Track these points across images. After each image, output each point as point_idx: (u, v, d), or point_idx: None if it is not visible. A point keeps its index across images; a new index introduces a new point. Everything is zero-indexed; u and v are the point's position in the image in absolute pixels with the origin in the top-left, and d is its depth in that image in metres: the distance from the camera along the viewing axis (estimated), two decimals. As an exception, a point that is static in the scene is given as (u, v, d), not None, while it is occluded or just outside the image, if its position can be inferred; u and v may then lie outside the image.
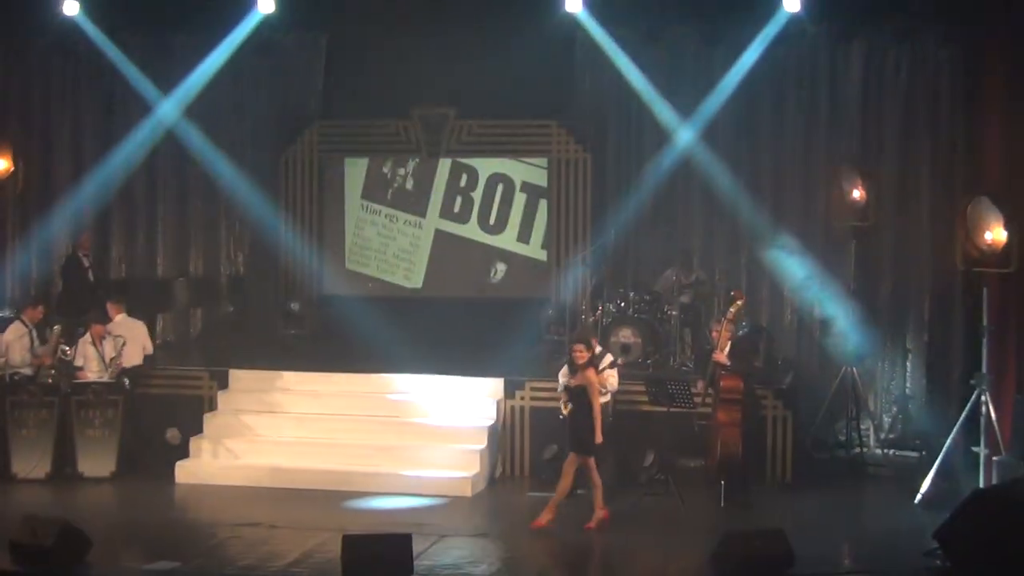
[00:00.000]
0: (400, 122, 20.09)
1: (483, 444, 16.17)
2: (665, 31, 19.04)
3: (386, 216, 20.44)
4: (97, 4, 18.99)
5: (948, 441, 15.18)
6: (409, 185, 20.38)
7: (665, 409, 15.11)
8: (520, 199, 20.02)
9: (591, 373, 13.87)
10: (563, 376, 14.71)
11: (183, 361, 18.73)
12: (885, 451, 17.54)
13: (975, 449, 14.85)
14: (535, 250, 19.99)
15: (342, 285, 20.38)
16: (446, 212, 20.27)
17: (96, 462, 16.31)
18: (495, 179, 20.11)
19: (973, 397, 14.74)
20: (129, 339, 17.00)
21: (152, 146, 20.27)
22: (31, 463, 16.14)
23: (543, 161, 19.82)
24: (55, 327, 17.17)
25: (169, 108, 19.81)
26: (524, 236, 20.01)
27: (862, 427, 17.49)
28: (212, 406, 17.20)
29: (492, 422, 16.47)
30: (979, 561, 11.20)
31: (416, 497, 15.32)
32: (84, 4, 18.94)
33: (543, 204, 19.90)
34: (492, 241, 20.18)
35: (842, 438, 17.37)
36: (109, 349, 16.81)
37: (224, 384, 17.37)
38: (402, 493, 15.42)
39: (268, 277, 20.55)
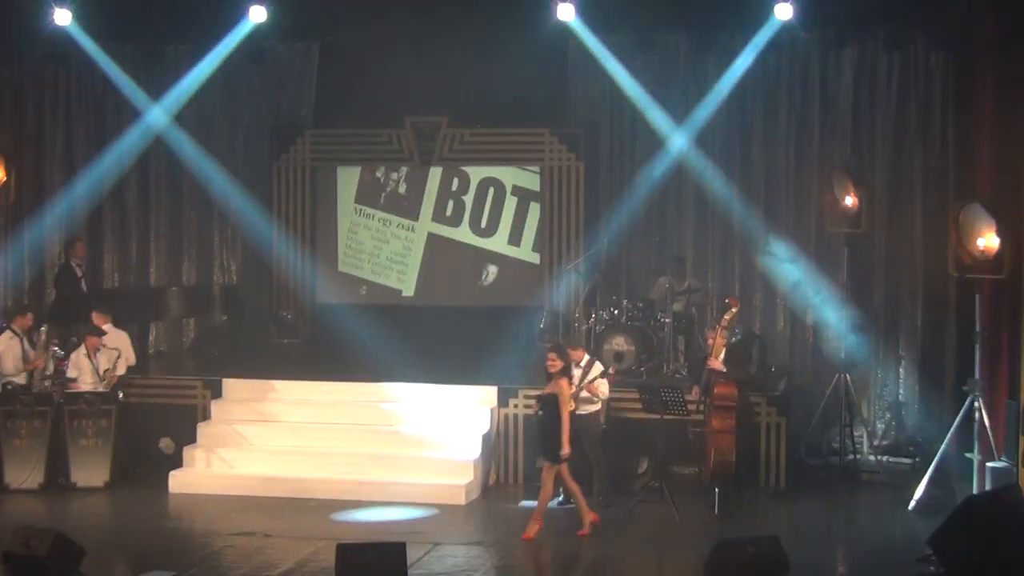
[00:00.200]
0: (392, 131, 20.09)
1: (477, 452, 16.17)
2: (657, 39, 19.05)
3: (379, 220, 20.48)
4: (89, 14, 18.94)
5: (942, 447, 15.21)
6: (402, 189, 20.43)
7: (659, 416, 15.12)
8: (511, 202, 20.08)
9: (564, 383, 13.93)
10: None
11: (176, 370, 18.72)
12: (879, 458, 17.53)
13: (968, 455, 14.88)
14: (526, 252, 20.05)
15: (335, 293, 20.38)
16: (438, 216, 20.34)
17: (89, 472, 16.28)
18: (486, 183, 20.17)
19: (966, 403, 14.77)
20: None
21: (145, 155, 20.28)
22: (24, 473, 16.11)
23: (535, 167, 19.83)
24: (42, 327, 17.16)
25: (161, 117, 19.80)
26: (515, 239, 20.08)
27: (856, 434, 17.47)
28: (206, 415, 17.19)
29: (485, 430, 16.46)
30: (973, 567, 11.20)
31: (410, 505, 15.29)
32: (76, 14, 18.91)
33: (534, 207, 19.97)
34: (484, 244, 20.24)
35: (836, 445, 17.35)
36: (103, 361, 16.79)
37: (218, 393, 17.35)
38: (396, 502, 15.41)
39: (261, 286, 20.55)
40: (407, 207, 20.42)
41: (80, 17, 19.01)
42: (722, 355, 14.93)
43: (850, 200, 16.96)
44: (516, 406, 16.59)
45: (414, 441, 16.46)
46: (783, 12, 17.63)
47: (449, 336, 19.20)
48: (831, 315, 17.70)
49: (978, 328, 14.86)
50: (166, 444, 16.99)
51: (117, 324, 17.42)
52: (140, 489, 16.18)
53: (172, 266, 21.00)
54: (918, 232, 18.19)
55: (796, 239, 18.41)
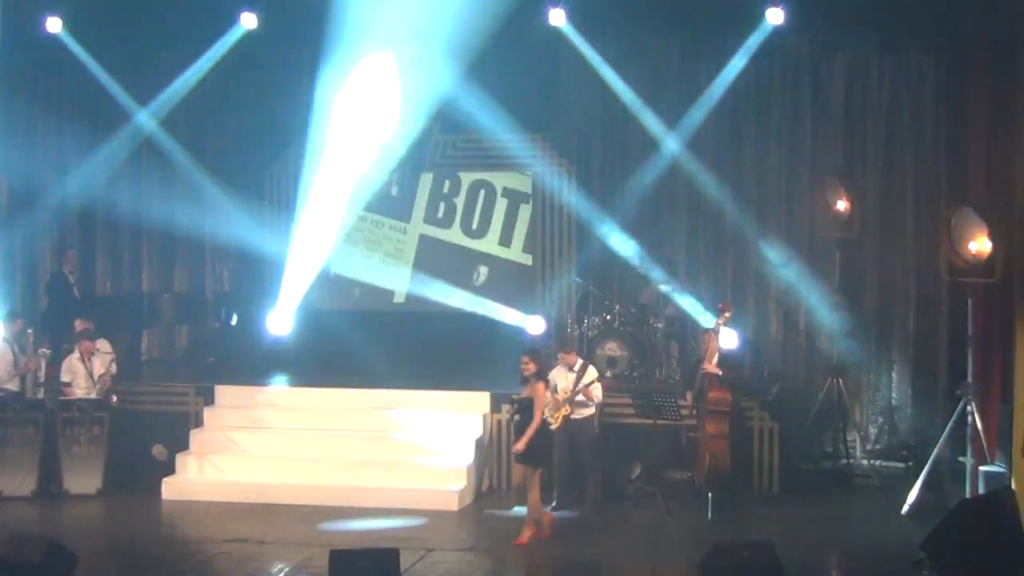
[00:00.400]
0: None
1: (469, 458, 16.16)
2: (649, 44, 19.07)
3: (372, 222, 20.51)
4: (80, 21, 18.95)
5: (934, 451, 15.21)
6: (394, 192, 20.47)
7: (652, 421, 15.12)
8: (501, 204, 20.17)
9: (540, 386, 13.96)
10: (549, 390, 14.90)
11: (169, 377, 18.73)
12: (871, 462, 17.54)
13: (961, 459, 14.88)
14: (517, 253, 20.13)
15: (328, 299, 20.37)
16: (430, 217, 20.43)
17: (82, 479, 16.27)
18: (477, 185, 20.28)
19: (959, 407, 14.76)
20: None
21: (137, 161, 20.26)
22: (16, 480, 16.10)
23: (527, 172, 19.84)
24: (29, 330, 17.14)
25: (153, 124, 19.79)
26: (506, 240, 20.15)
27: (848, 438, 17.50)
28: (198, 422, 17.18)
29: (478, 436, 16.46)
30: (966, 571, 11.19)
31: (403, 511, 15.27)
32: (67, 21, 18.90)
33: (524, 208, 20.05)
34: (475, 245, 20.27)
35: (829, 449, 17.37)
36: (98, 366, 16.78)
37: (210, 400, 17.36)
38: (389, 507, 15.39)
39: (253, 293, 20.51)
40: (399, 209, 20.49)
41: (71, 25, 18.99)
42: (715, 359, 14.95)
43: (842, 204, 16.97)
44: (509, 412, 16.57)
45: (407, 447, 16.45)
46: (774, 17, 17.67)
47: (441, 341, 19.21)
48: (824, 318, 17.71)
49: (970, 332, 14.86)
50: (158, 451, 16.97)
51: (99, 331, 17.33)
52: (133, 496, 16.17)
53: (164, 273, 20.98)
54: (910, 236, 18.22)
55: (788, 243, 18.42)
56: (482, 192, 20.21)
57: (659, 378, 17.52)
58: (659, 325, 17.76)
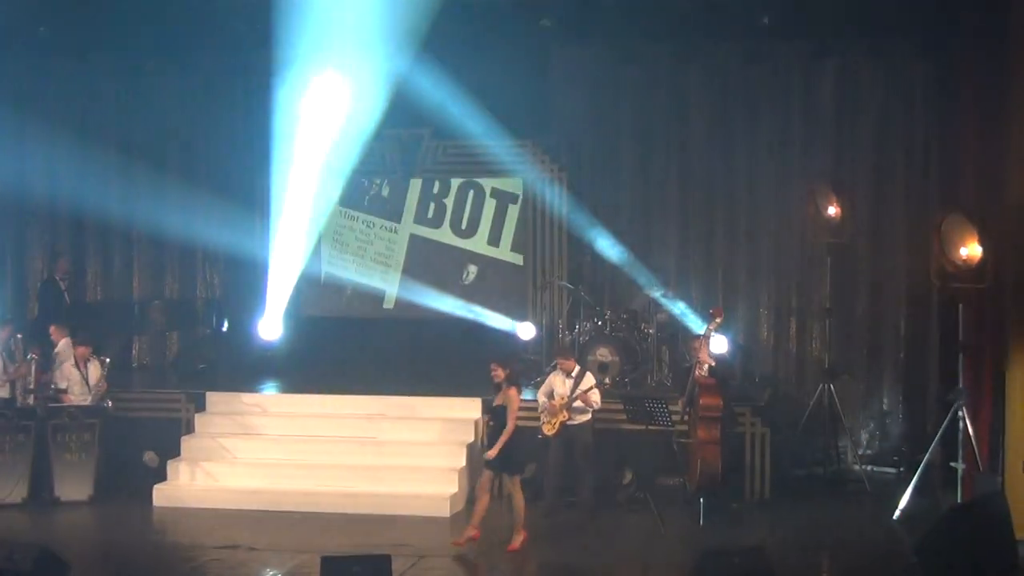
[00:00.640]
0: (374, 143, 20.04)
1: (461, 463, 16.15)
2: (639, 49, 19.06)
3: (363, 222, 20.55)
4: (70, 28, 18.92)
5: (926, 457, 15.22)
6: (385, 193, 20.52)
7: (644, 427, 15.11)
8: (490, 204, 20.24)
9: (513, 392, 13.91)
10: (542, 395, 14.92)
11: (160, 384, 18.70)
12: (863, 467, 17.53)
13: (953, 464, 14.87)
14: (505, 252, 20.18)
15: (318, 305, 20.37)
16: (420, 217, 20.48)
17: (73, 486, 16.24)
18: (466, 186, 20.34)
19: (950, 412, 14.75)
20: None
21: (128, 168, 20.22)
22: (7, 487, 16.04)
23: (517, 177, 19.86)
24: (18, 335, 17.11)
25: (144, 130, 19.76)
26: (494, 239, 20.19)
27: (840, 443, 17.51)
28: (189, 428, 17.17)
29: (469, 441, 16.45)
30: (958, 576, 11.21)
31: (394, 518, 15.27)
32: (57, 27, 18.88)
33: (512, 208, 20.12)
34: (464, 244, 20.32)
35: (820, 455, 17.38)
36: (94, 371, 16.76)
37: (201, 406, 17.33)
38: (380, 514, 15.39)
39: (244, 299, 20.48)
40: (390, 209, 20.56)
41: (61, 31, 18.97)
42: (707, 365, 14.97)
43: (833, 210, 16.99)
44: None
45: (398, 453, 16.44)
46: (765, 22, 17.66)
47: (432, 347, 19.23)
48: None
49: (961, 337, 14.87)
50: (150, 457, 16.95)
51: (70, 336, 17.23)
52: (124, 503, 16.14)
53: (155, 279, 20.96)
54: (901, 241, 18.23)
55: (779, 249, 18.46)
56: (471, 193, 20.28)
57: (651, 383, 17.51)
58: (650, 331, 17.75)
